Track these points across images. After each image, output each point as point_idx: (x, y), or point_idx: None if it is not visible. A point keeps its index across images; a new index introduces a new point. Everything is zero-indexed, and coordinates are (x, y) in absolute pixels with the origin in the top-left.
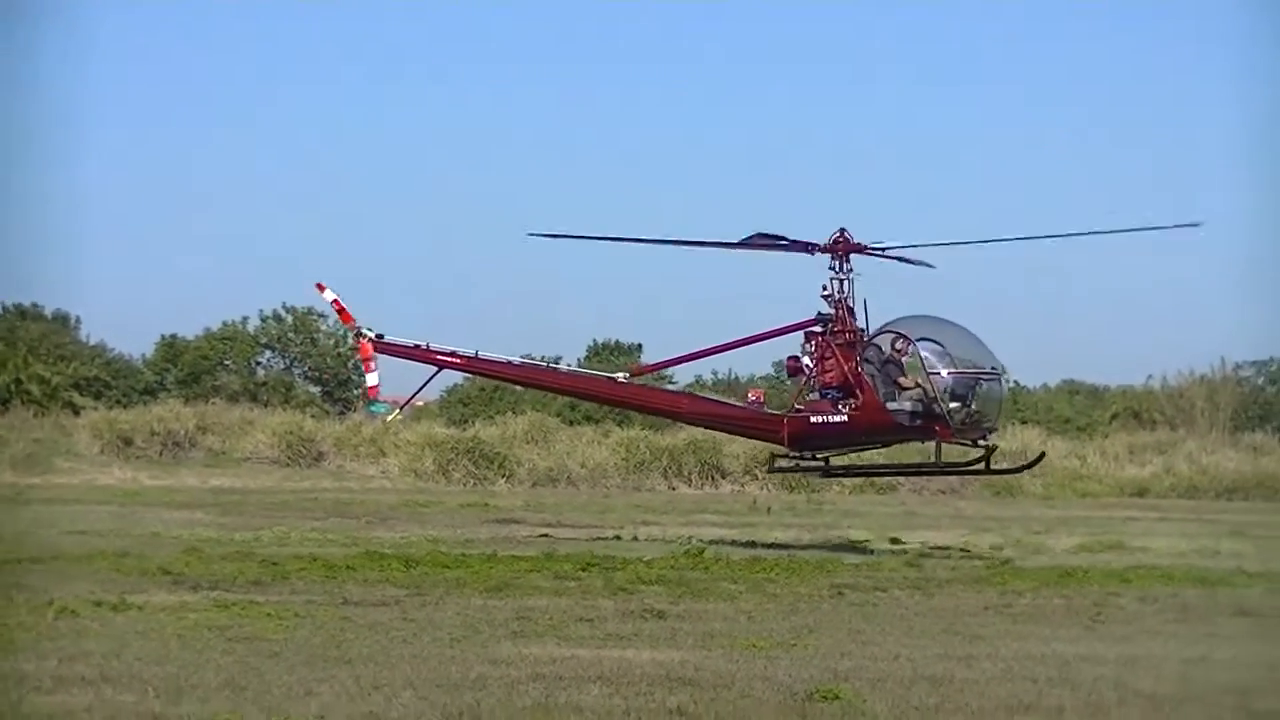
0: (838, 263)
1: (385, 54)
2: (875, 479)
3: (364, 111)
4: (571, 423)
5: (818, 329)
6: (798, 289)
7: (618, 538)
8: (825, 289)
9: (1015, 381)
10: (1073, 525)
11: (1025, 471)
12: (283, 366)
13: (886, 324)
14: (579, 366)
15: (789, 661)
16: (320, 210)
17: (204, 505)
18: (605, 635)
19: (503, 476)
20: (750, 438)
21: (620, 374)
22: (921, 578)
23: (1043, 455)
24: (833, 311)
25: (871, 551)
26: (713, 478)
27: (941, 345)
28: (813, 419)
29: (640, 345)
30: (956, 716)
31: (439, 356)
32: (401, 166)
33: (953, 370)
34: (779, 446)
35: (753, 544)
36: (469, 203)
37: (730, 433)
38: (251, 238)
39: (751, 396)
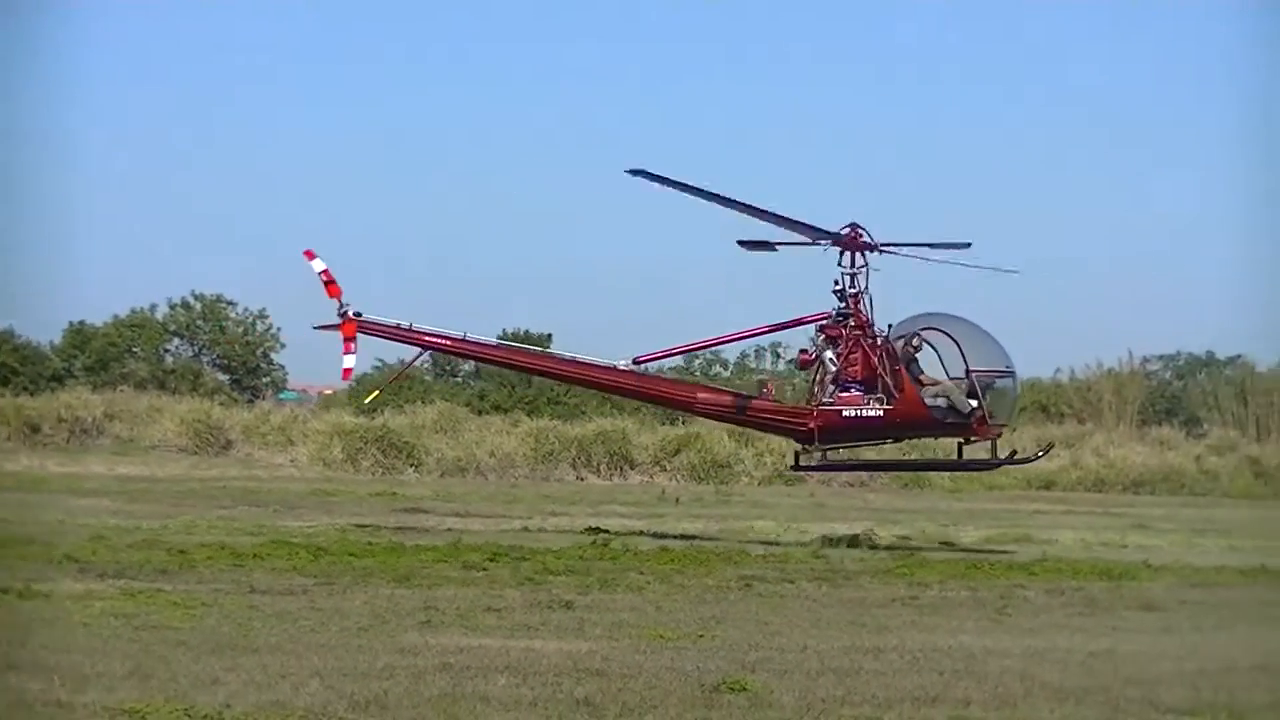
0: (849, 258)
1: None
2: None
3: (265, 94)
4: (480, 412)
5: (831, 322)
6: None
7: (526, 528)
8: (837, 283)
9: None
10: (980, 518)
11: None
12: (191, 354)
13: (908, 320)
14: None
15: (696, 652)
16: (231, 196)
17: (111, 493)
18: (512, 625)
19: (411, 466)
20: (772, 431)
21: (621, 361)
22: (829, 569)
23: (1051, 445)
24: (845, 306)
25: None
26: (621, 468)
27: (975, 342)
28: (845, 413)
29: (550, 335)
30: (863, 708)
31: (426, 338)
32: (304, 152)
33: (988, 367)
34: (803, 443)
35: (661, 535)
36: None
37: (749, 426)
38: (162, 224)
39: (764, 389)
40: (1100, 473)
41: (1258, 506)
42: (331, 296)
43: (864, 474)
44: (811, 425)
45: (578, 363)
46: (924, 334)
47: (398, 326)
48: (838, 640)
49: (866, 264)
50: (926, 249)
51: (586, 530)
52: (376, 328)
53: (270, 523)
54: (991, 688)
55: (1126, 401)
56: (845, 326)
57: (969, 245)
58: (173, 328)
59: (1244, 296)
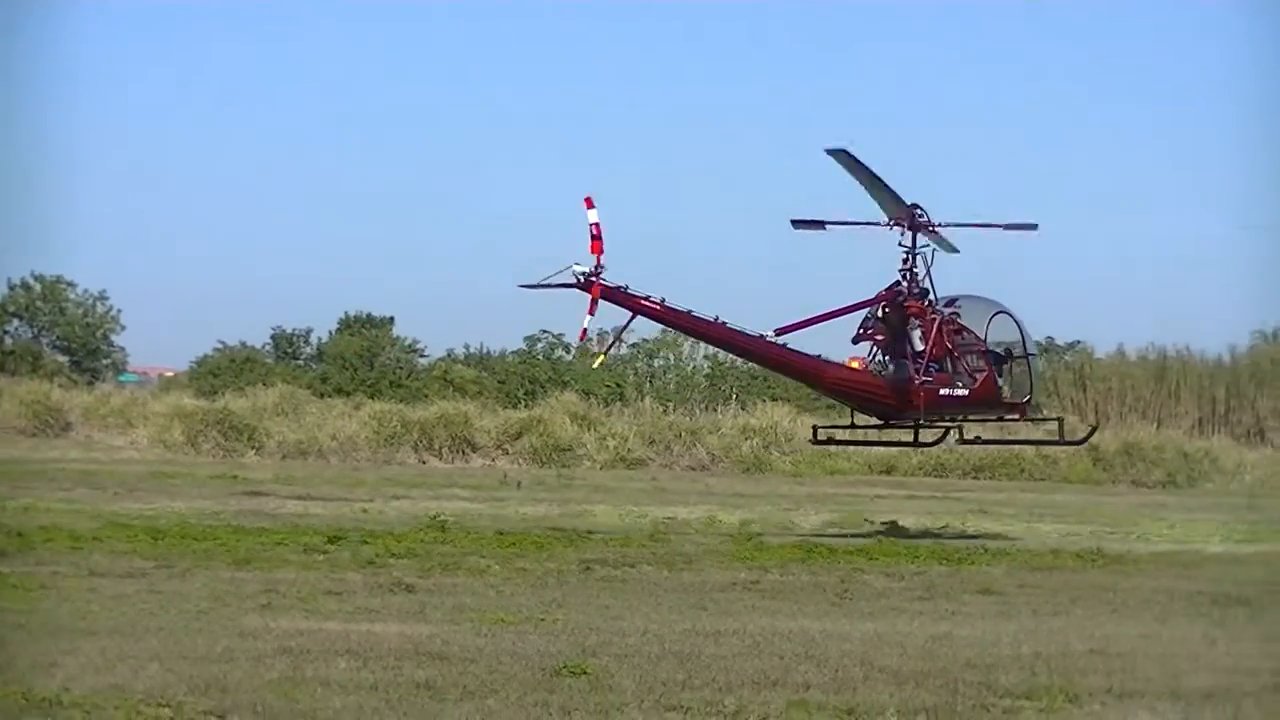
0: (911, 238)
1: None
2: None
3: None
4: (322, 395)
5: (910, 299)
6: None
7: (366, 511)
8: (905, 261)
9: None
10: (821, 502)
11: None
12: (30, 335)
13: (951, 300)
14: (329, 338)
15: (537, 636)
16: (72, 175)
17: None
18: (353, 609)
19: (252, 448)
20: (881, 407)
21: (769, 332)
22: (670, 553)
23: (1095, 428)
24: (910, 284)
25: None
26: (463, 451)
27: (1026, 326)
28: (942, 391)
29: (392, 318)
30: (704, 691)
31: (642, 302)
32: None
33: (1034, 350)
34: (896, 420)
35: (503, 518)
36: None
37: (862, 401)
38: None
39: (856, 365)
40: (940, 457)
41: (1095, 491)
42: (593, 253)
43: (704, 457)
44: (917, 403)
45: (741, 333)
46: (999, 316)
47: (619, 288)
48: (678, 624)
49: (926, 244)
50: (990, 226)
51: (428, 513)
52: (611, 292)
53: (110, 505)
54: (831, 671)
55: None
56: (925, 304)
57: (1035, 226)
58: (12, 309)
59: (1087, 284)
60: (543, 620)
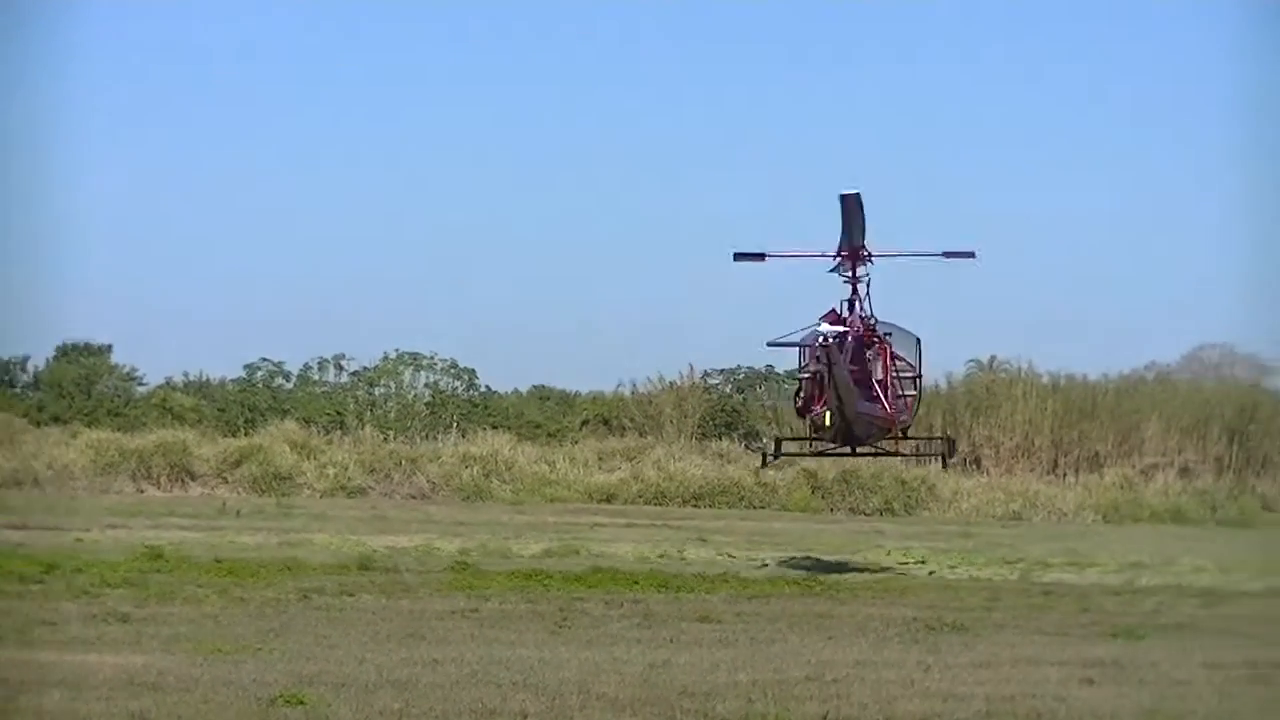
0: (854, 269)
1: None
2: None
3: None
4: (39, 423)
5: (868, 329)
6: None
7: (80, 540)
8: (854, 293)
9: (487, 387)
10: (540, 530)
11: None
12: None
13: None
14: (46, 366)
15: (254, 665)
16: None
17: None
18: (68, 639)
19: None
20: (868, 430)
21: None
22: (389, 582)
23: (953, 442)
24: (863, 317)
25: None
26: (182, 480)
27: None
28: (901, 416)
29: (110, 346)
30: None
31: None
32: None
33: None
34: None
35: (221, 547)
36: None
37: (872, 425)
38: None
39: None
40: (660, 485)
41: (814, 519)
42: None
43: (425, 485)
44: (889, 426)
45: None
46: (919, 343)
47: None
48: (396, 653)
49: (867, 272)
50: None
51: (145, 543)
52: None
53: None
54: (549, 699)
55: (687, 415)
56: (877, 333)
57: (973, 254)
58: None
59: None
60: (260, 649)
